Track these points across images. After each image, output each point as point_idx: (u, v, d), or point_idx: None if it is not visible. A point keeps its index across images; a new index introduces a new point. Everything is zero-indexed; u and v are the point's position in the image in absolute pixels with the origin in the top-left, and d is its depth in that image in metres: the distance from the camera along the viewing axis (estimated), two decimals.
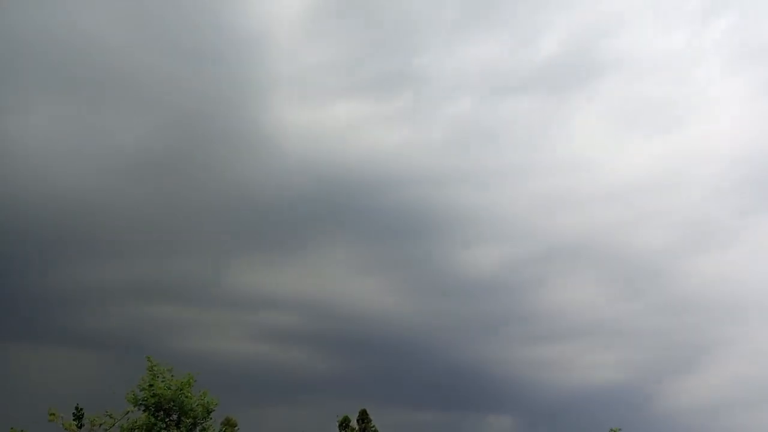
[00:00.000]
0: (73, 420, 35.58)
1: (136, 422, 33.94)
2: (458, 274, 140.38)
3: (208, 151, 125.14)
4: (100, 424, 34.53)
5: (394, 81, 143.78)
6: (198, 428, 34.40)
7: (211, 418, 35.10)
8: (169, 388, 34.71)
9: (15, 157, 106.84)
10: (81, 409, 35.64)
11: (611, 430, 45.45)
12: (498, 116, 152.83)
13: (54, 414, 34.40)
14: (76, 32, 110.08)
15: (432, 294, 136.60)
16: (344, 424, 56.99)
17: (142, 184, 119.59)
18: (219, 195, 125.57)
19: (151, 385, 34.95)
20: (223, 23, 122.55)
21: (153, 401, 34.62)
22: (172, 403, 34.76)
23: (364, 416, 59.15)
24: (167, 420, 34.36)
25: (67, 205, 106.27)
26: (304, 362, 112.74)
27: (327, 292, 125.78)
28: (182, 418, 34.53)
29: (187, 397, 34.58)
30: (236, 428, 45.53)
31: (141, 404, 35.06)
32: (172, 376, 35.38)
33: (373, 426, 58.14)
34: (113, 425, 34.26)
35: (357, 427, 57.01)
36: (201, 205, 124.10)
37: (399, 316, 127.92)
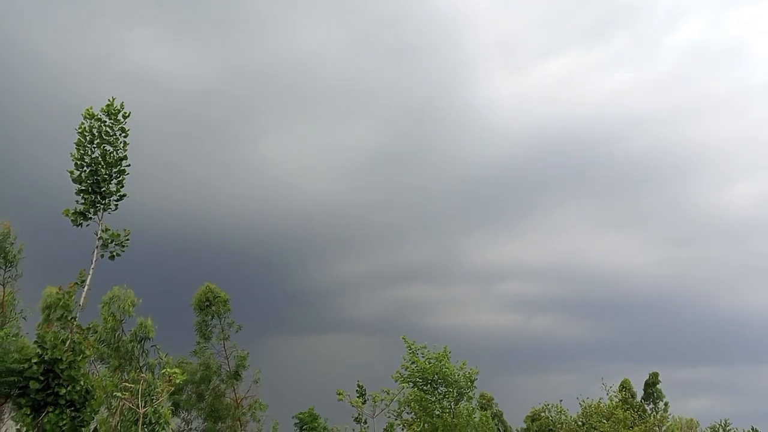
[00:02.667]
0: (357, 397, 41.23)
1: (409, 396, 38.28)
2: (714, 217, 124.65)
3: (428, 138, 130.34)
4: (381, 400, 39.60)
5: (604, 25, 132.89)
6: (464, 398, 37.72)
7: (474, 387, 38.32)
8: (430, 362, 38.36)
9: (273, 173, 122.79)
10: (362, 386, 40.98)
11: None
12: (735, 32, 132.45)
13: (341, 393, 40.29)
14: (298, 56, 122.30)
15: (685, 242, 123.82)
16: (623, 387, 54.82)
17: (376, 180, 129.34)
18: (446, 177, 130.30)
19: (413, 362, 38.88)
20: (415, 14, 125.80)
21: (418, 375, 38.54)
22: (435, 376, 38.42)
23: (654, 379, 56.64)
24: (435, 392, 38.18)
25: (316, 209, 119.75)
26: (551, 329, 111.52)
27: (567, 255, 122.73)
28: (448, 389, 38.07)
29: (447, 368, 37.96)
30: (493, 401, 48.10)
31: (408, 381, 39.24)
32: (428, 351, 39.00)
33: (660, 389, 55.64)
34: (392, 401, 39.08)
35: (621, 392, 54.31)
36: (431, 191, 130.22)
37: (650, 270, 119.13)
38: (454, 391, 37.87)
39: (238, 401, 46.44)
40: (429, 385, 38.82)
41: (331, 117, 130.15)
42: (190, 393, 47.71)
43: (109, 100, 26.65)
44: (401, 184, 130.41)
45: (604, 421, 46.23)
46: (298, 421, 49.62)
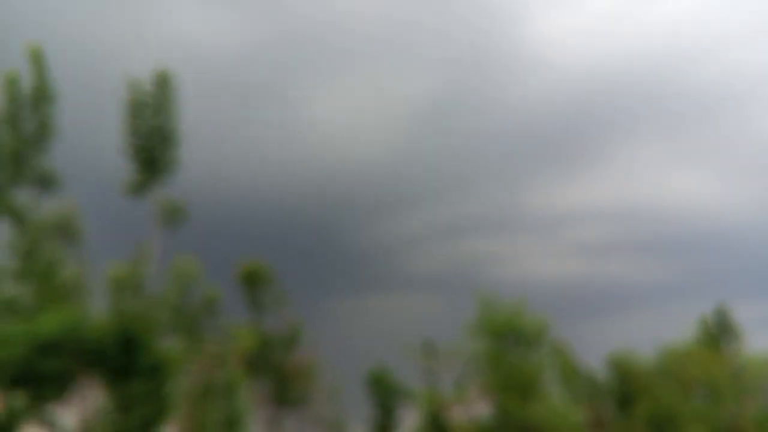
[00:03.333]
0: (426, 352, 40.96)
1: (479, 350, 37.66)
2: None
3: (481, 81, 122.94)
4: (450, 355, 39.17)
5: None
6: (536, 347, 36.87)
7: (546, 336, 37.35)
8: (502, 315, 37.49)
9: (325, 130, 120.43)
10: (431, 342, 40.72)
11: None
12: None
13: (410, 349, 40.14)
14: (336, 14, 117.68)
15: (763, 172, 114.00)
16: (702, 324, 53.87)
17: (430, 129, 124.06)
18: (503, 121, 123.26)
19: (485, 315, 38.07)
20: None
21: (489, 328, 37.75)
22: (507, 329, 37.58)
23: (722, 313, 55.77)
24: (506, 344, 37.39)
25: (372, 165, 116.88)
26: (625, 273, 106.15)
27: (637, 195, 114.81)
28: (519, 341, 37.21)
29: (519, 320, 37.03)
30: (566, 347, 47.05)
31: (479, 333, 38.51)
32: (500, 303, 38.12)
33: (733, 322, 54.54)
34: (461, 355, 38.59)
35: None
36: (488, 137, 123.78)
37: (728, 206, 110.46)
38: (526, 342, 36.98)
39: (299, 365, 47.10)
40: (500, 338, 37.98)
41: (378, 68, 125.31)
42: (252, 360, 48.66)
43: (156, 70, 26.11)
44: (456, 132, 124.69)
45: (682, 363, 44.73)
46: (369, 378, 49.97)
